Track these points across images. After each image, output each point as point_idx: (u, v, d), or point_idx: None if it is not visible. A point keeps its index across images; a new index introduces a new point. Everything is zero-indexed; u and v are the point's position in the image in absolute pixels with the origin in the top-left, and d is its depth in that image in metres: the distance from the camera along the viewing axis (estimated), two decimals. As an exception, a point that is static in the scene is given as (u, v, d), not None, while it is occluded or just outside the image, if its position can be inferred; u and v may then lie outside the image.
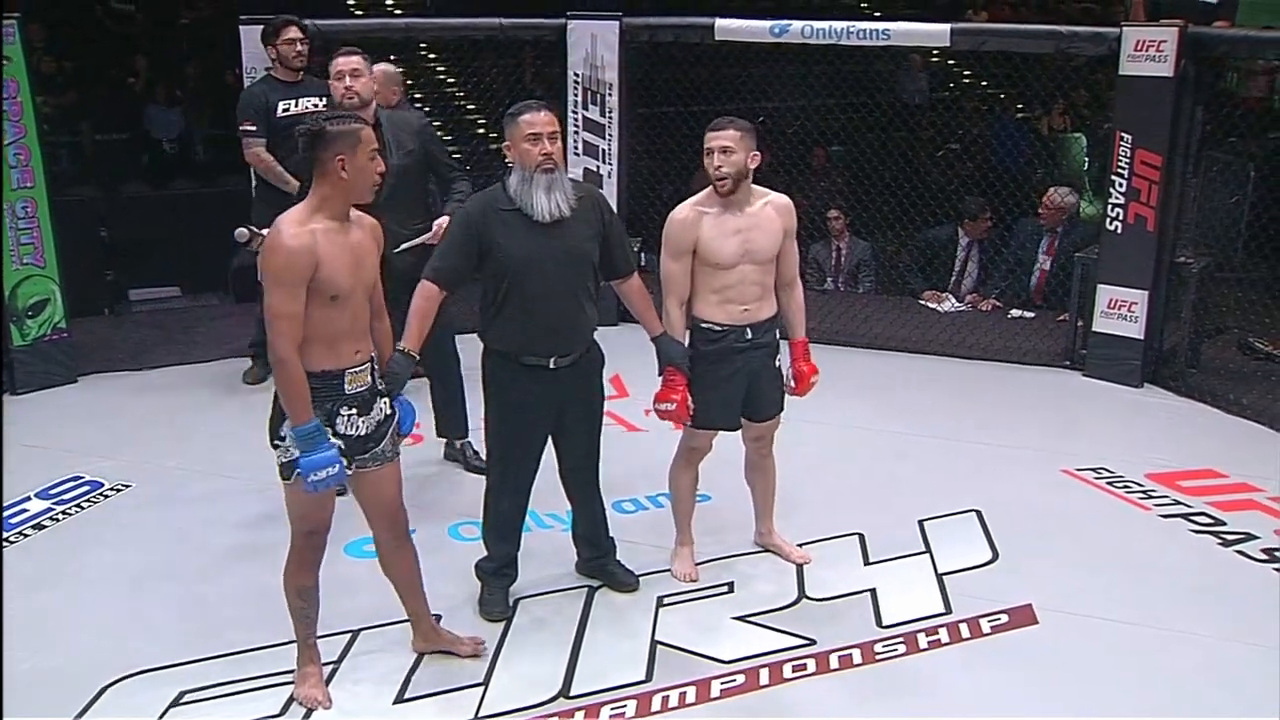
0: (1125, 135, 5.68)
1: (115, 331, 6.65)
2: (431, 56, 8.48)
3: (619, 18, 6.51)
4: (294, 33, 5.44)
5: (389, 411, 3.24)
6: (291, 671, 3.36)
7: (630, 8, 6.63)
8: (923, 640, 3.64)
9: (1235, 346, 6.20)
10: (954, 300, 7.10)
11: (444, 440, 4.82)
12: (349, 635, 3.57)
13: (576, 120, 6.60)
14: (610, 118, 6.59)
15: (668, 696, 3.36)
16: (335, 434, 3.09)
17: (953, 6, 10.42)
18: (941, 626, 3.71)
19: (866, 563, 4.12)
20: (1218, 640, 3.64)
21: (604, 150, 6.63)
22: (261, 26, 5.59)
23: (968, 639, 3.65)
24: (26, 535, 4.28)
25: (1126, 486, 4.71)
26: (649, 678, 3.45)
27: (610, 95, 6.56)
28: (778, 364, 3.87)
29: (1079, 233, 6.73)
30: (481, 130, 7.66)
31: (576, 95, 6.60)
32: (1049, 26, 6.37)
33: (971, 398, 5.74)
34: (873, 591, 3.91)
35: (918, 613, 3.78)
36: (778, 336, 3.86)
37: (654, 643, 3.62)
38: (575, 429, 3.72)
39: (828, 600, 3.87)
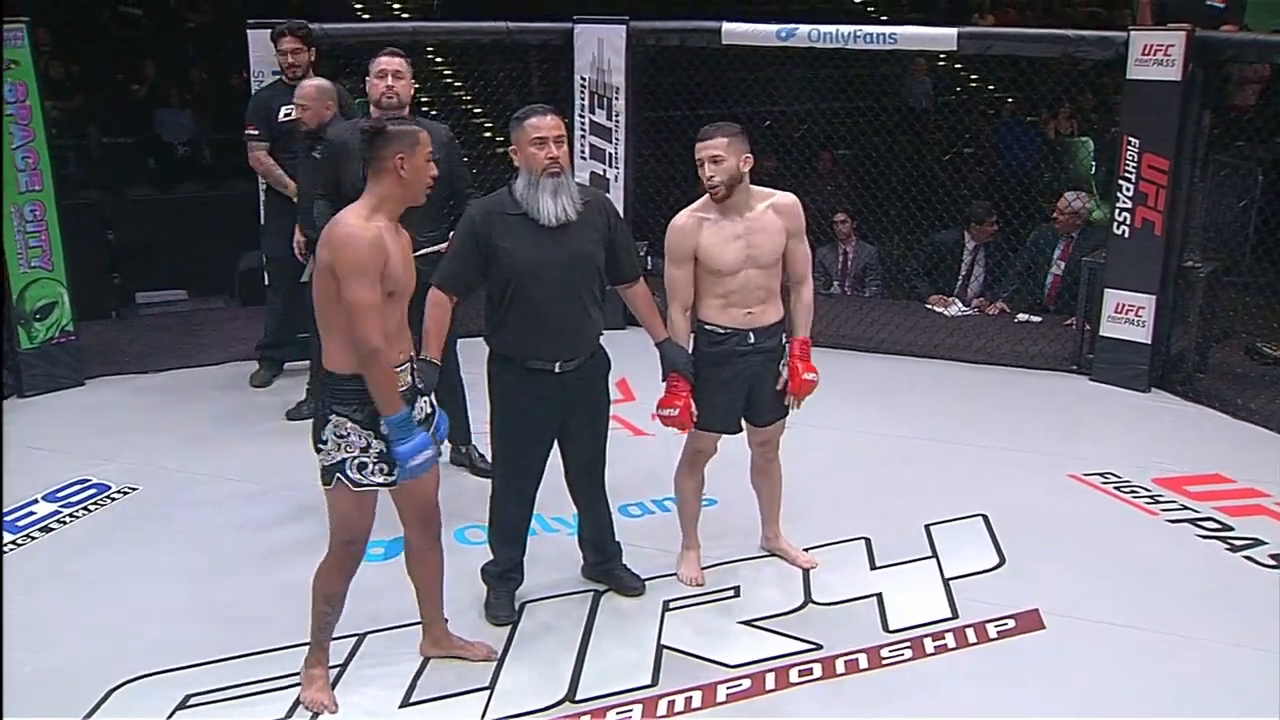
0: (1132, 139, 5.68)
1: (122, 335, 6.66)
2: (438, 60, 8.50)
3: (626, 22, 6.51)
4: (286, 43, 5.50)
5: (429, 410, 3.25)
6: (298, 674, 3.36)
7: (636, 12, 6.63)
8: (929, 645, 3.63)
9: (1243, 351, 6.19)
10: (960, 304, 7.09)
11: (449, 445, 4.82)
12: (355, 638, 3.57)
13: (583, 124, 6.60)
14: (617, 122, 6.59)
15: (673, 701, 3.36)
16: (378, 435, 3.09)
17: (959, 10, 10.42)
18: (948, 631, 3.70)
19: (873, 567, 4.11)
20: (1225, 645, 3.62)
21: (610, 154, 6.63)
22: (269, 30, 5.63)
23: (974, 644, 3.64)
24: (34, 538, 4.29)
25: (1133, 491, 4.69)
26: (655, 682, 3.44)
27: (617, 99, 6.56)
28: (781, 368, 3.86)
29: (1094, 238, 6.71)
30: (488, 134, 7.66)
31: (583, 99, 6.60)
32: (1056, 30, 6.37)
33: (978, 402, 5.73)
34: (879, 596, 3.90)
35: (924, 618, 3.77)
36: (783, 341, 3.85)
37: (660, 647, 3.62)
38: (581, 433, 3.72)
39: (834, 605, 3.87)
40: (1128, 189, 5.71)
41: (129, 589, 3.95)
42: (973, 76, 10.20)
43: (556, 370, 3.57)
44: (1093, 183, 7.65)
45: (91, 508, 4.53)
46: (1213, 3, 6.43)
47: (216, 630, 3.66)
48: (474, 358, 3.72)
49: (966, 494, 4.61)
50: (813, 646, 3.61)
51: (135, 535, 4.32)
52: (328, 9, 7.60)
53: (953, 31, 6.15)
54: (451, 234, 4.42)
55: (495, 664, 3.51)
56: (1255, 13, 7.25)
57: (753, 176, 3.73)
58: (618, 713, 3.31)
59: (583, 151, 6.59)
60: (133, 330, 6.80)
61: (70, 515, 4.47)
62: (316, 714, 3.28)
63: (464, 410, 4.65)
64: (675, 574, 3.99)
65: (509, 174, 3.61)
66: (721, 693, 3.40)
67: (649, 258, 6.28)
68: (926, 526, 4.35)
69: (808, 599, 3.90)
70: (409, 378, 3.16)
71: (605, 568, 3.94)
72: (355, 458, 3.08)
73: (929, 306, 7.11)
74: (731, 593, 3.93)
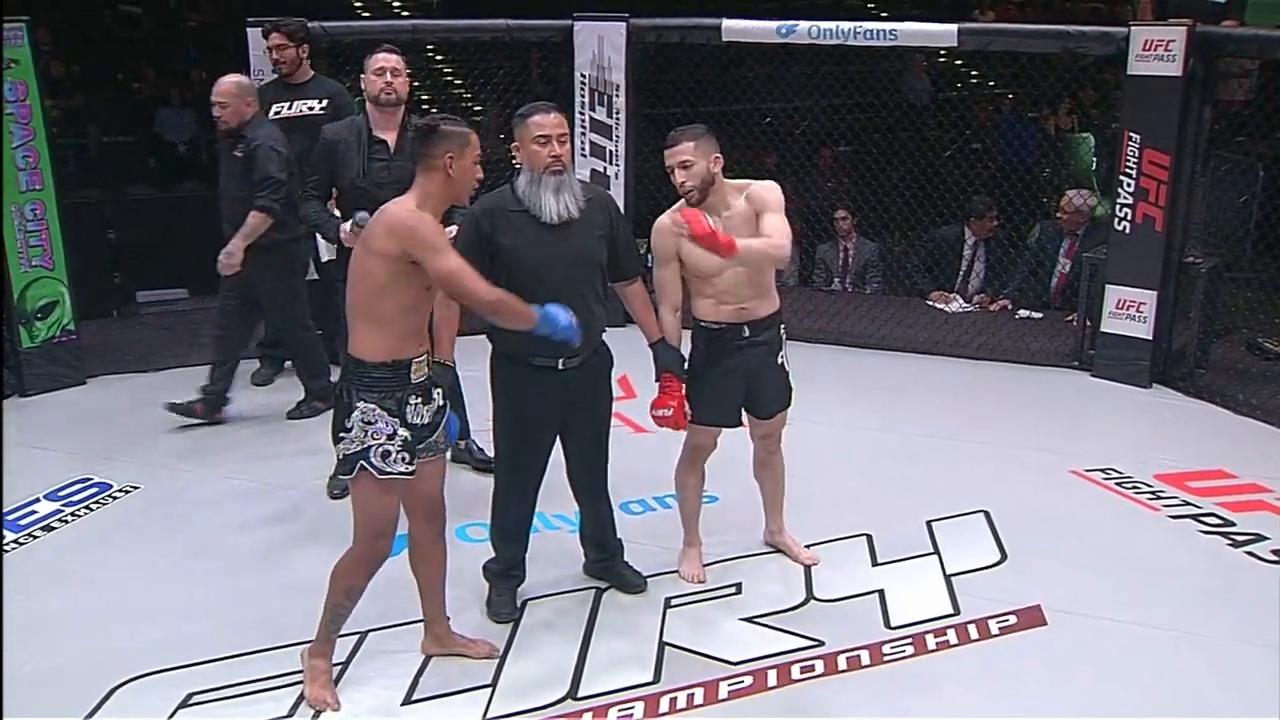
0: (1133, 135, 5.67)
1: (123, 333, 6.67)
2: (439, 58, 8.50)
3: (626, 19, 6.51)
4: (272, 40, 5.52)
5: (441, 402, 3.28)
6: (299, 672, 3.36)
7: (636, 9, 6.62)
8: (931, 641, 3.63)
9: (1244, 346, 6.19)
10: (961, 301, 7.09)
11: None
12: (357, 636, 3.57)
13: (583, 121, 6.60)
14: (617, 119, 6.59)
15: (675, 698, 3.36)
16: (405, 423, 3.12)
17: (960, 6, 10.41)
18: (950, 628, 3.70)
19: (874, 564, 4.11)
20: (1227, 641, 3.62)
21: (611, 151, 6.63)
22: None
23: (976, 640, 3.64)
24: (36, 537, 4.29)
25: (1135, 487, 4.69)
26: (657, 679, 3.44)
27: (617, 96, 6.56)
28: (780, 360, 3.85)
29: (1098, 235, 6.69)
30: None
31: (583, 96, 6.60)
32: (1057, 26, 6.36)
33: (979, 398, 5.73)
34: (881, 593, 3.90)
35: (926, 614, 3.77)
36: (780, 333, 3.85)
37: (662, 644, 3.62)
38: (583, 430, 3.72)
39: (836, 601, 3.87)
40: (1129, 185, 5.71)
41: (130, 588, 3.95)
42: (973, 72, 10.19)
43: (559, 367, 3.56)
44: (1094, 179, 7.63)
45: (93, 507, 4.53)
46: (1213, -2, 6.42)
47: (217, 629, 3.66)
48: (475, 356, 3.72)
49: (968, 490, 4.61)
50: (814, 643, 3.61)
51: (136, 534, 4.32)
52: (328, 7, 7.58)
53: (953, 28, 6.16)
54: (450, 228, 4.43)
55: (497, 661, 3.51)
56: (1255, 11, 7.25)
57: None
58: (620, 710, 3.31)
59: (583, 149, 6.59)
60: (134, 329, 6.80)
61: (72, 514, 4.47)
62: (319, 711, 3.28)
63: (462, 405, 4.65)
64: (677, 571, 3.99)
65: (509, 171, 3.61)
66: (723, 689, 3.40)
67: (650, 255, 6.26)
68: (928, 523, 4.35)
69: (809, 595, 3.90)
70: (426, 369, 3.19)
71: (607, 565, 3.94)
72: (380, 445, 3.10)
73: (930, 303, 7.11)
74: (733, 589, 3.93)
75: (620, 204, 4.69)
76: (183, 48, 10.41)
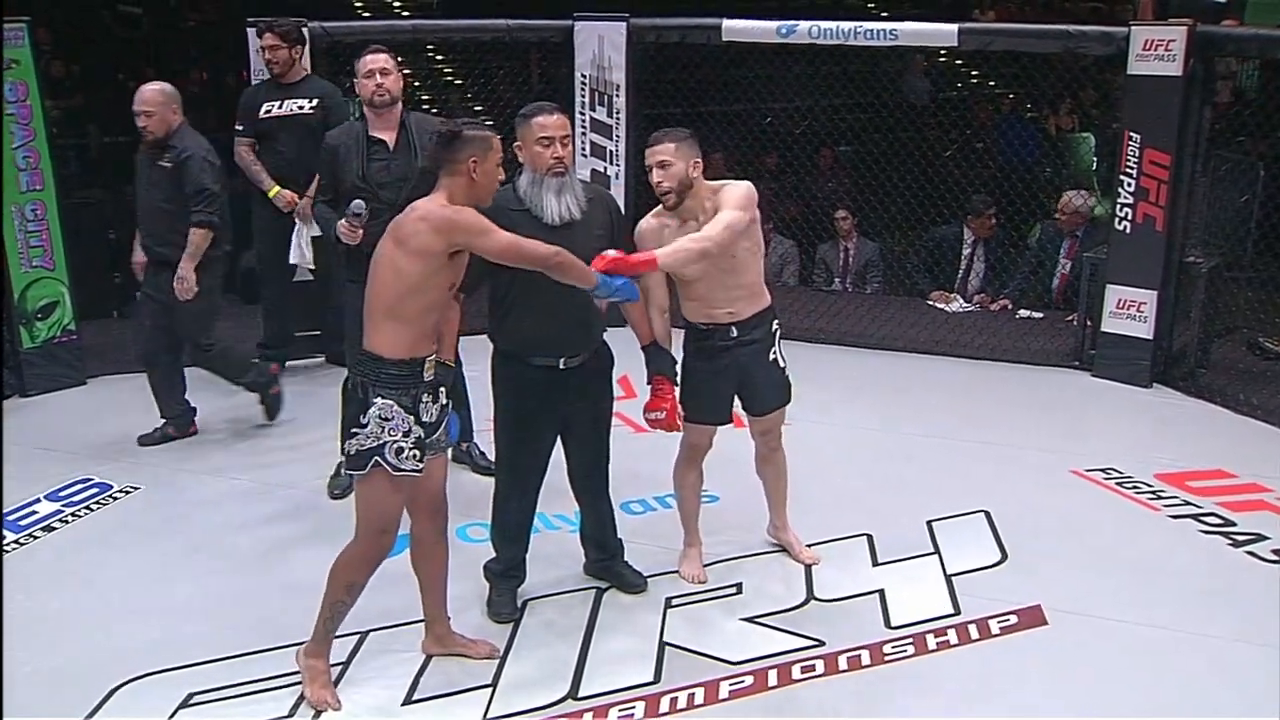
0: (1133, 135, 5.67)
1: (124, 333, 6.63)
2: (439, 58, 8.50)
3: (626, 19, 6.51)
4: (266, 40, 5.52)
5: (444, 401, 3.29)
6: (298, 670, 3.36)
7: (637, 9, 6.63)
8: (931, 641, 3.63)
9: (1245, 346, 6.19)
10: (962, 301, 7.09)
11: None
12: (357, 636, 3.57)
13: (584, 121, 6.60)
14: (617, 119, 6.59)
15: (676, 698, 3.36)
16: (419, 421, 3.14)
17: (960, 6, 10.41)
18: (950, 628, 3.70)
19: (875, 563, 4.11)
20: (1228, 641, 3.62)
21: (611, 151, 6.63)
22: None
23: (977, 640, 3.64)
24: (36, 537, 4.29)
25: (1135, 487, 4.69)
26: (657, 679, 3.44)
27: (617, 96, 6.56)
28: (773, 357, 3.85)
29: (1099, 235, 6.69)
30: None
31: (584, 96, 6.60)
32: (1057, 26, 6.36)
33: (979, 398, 5.73)
34: (881, 592, 3.90)
35: (927, 614, 3.77)
36: (772, 330, 3.84)
37: (662, 644, 3.62)
38: (584, 430, 3.72)
39: (836, 601, 3.87)
40: (1129, 184, 5.71)
41: (130, 588, 3.95)
42: (973, 72, 10.19)
43: (560, 367, 3.57)
44: (1094, 179, 7.63)
45: (93, 507, 4.53)
46: (1213, -3, 6.42)
47: (217, 629, 3.65)
48: (477, 356, 3.72)
49: (968, 490, 4.61)
50: (815, 643, 3.61)
51: (136, 534, 4.32)
52: (327, 7, 7.57)
53: (953, 28, 6.16)
54: None
55: (498, 662, 3.51)
56: (1255, 11, 7.25)
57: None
58: (620, 710, 3.31)
59: (583, 149, 6.59)
60: (134, 329, 6.78)
61: (72, 514, 4.47)
62: (320, 711, 3.28)
63: (466, 407, 4.65)
64: (677, 571, 3.99)
65: (511, 171, 3.60)
66: (724, 689, 3.40)
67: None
68: (928, 523, 4.35)
69: (810, 595, 3.90)
70: (434, 367, 3.20)
71: (607, 565, 3.94)
72: (395, 442, 3.10)
73: (930, 303, 7.10)
74: (734, 589, 3.93)
75: (620, 204, 4.69)
76: (183, 48, 10.40)
